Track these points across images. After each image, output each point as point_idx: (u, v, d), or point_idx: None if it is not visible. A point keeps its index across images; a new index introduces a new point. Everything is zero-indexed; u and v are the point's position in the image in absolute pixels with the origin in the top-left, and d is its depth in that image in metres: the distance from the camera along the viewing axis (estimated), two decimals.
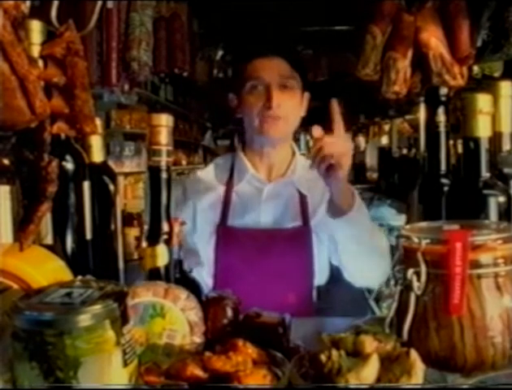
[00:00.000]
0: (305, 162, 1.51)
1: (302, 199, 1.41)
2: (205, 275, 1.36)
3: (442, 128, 0.91)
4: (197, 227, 1.42)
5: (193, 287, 0.87)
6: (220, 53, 4.37)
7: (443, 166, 0.92)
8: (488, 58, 1.87)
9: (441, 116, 0.91)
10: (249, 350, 0.67)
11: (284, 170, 1.46)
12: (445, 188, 0.91)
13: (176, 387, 0.62)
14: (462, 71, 1.82)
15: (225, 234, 1.38)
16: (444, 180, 0.92)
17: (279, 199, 1.42)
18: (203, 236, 1.40)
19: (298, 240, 1.37)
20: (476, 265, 0.66)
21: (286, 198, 1.42)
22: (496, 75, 2.48)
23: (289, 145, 1.50)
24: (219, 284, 1.36)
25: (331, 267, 1.45)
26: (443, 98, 0.91)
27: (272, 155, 1.45)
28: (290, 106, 1.37)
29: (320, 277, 1.40)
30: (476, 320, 0.66)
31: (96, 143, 1.01)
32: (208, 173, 1.53)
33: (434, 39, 1.80)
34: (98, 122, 0.90)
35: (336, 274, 1.44)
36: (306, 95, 1.46)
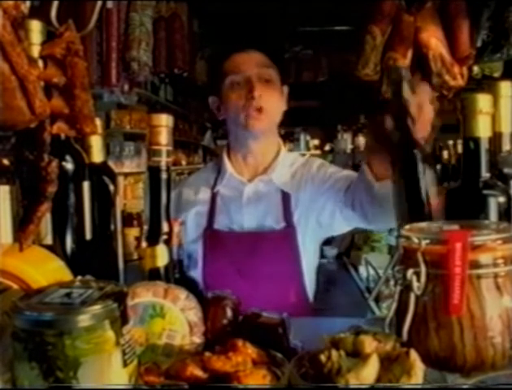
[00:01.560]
0: (293, 159, 1.50)
1: (285, 198, 1.39)
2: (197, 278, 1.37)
3: None
4: (187, 234, 1.41)
5: (192, 287, 0.87)
6: None
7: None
8: (488, 58, 1.87)
9: None
10: (249, 350, 0.67)
11: (266, 168, 1.44)
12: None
13: (176, 387, 0.62)
14: (462, 71, 1.81)
15: (211, 237, 1.39)
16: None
17: (260, 200, 1.40)
18: (194, 240, 1.40)
19: (283, 241, 1.36)
20: (476, 265, 0.66)
21: (267, 198, 1.40)
22: (496, 75, 2.48)
23: (276, 143, 1.48)
24: (208, 287, 1.36)
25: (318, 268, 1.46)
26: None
27: (256, 153, 1.43)
28: (272, 97, 1.37)
29: (309, 274, 1.40)
30: (476, 320, 0.66)
31: (96, 143, 1.01)
32: (198, 178, 1.54)
33: (434, 39, 1.79)
34: (98, 122, 0.90)
35: (334, 275, 1.45)
36: (285, 89, 1.46)
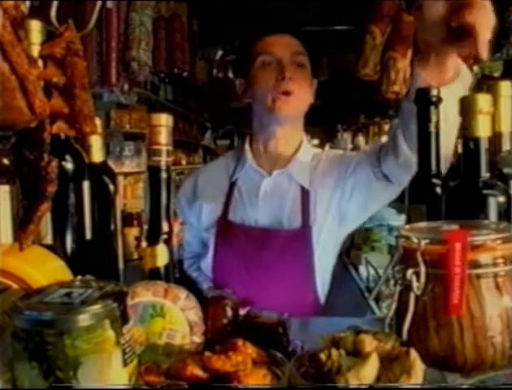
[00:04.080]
0: (313, 153, 1.45)
1: (304, 194, 1.34)
2: (207, 268, 1.37)
3: (433, 129, 0.91)
4: (202, 221, 1.41)
5: (192, 286, 0.87)
6: (220, 53, 4.37)
7: (433, 166, 0.92)
8: (488, 58, 1.87)
9: (432, 117, 0.91)
10: (249, 350, 0.67)
11: (286, 161, 1.40)
12: (437, 188, 0.91)
13: (176, 387, 0.63)
14: None
15: (224, 228, 1.36)
16: (434, 180, 0.92)
17: (277, 195, 1.36)
18: (207, 228, 1.40)
19: (297, 241, 1.32)
20: (476, 265, 0.66)
21: (285, 194, 1.36)
22: (496, 75, 2.48)
23: (299, 135, 1.44)
24: (216, 279, 1.36)
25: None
26: (433, 99, 0.91)
27: (279, 139, 1.39)
28: (301, 82, 1.34)
29: (322, 276, 1.35)
30: (476, 320, 0.66)
31: (96, 143, 1.01)
32: (217, 165, 1.52)
33: None
34: (98, 122, 0.90)
35: (334, 275, 1.43)
36: (314, 82, 1.44)
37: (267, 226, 1.35)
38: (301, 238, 1.32)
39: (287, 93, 1.31)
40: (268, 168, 1.41)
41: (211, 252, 1.36)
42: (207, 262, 1.37)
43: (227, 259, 1.34)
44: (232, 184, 1.41)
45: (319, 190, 1.35)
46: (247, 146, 1.43)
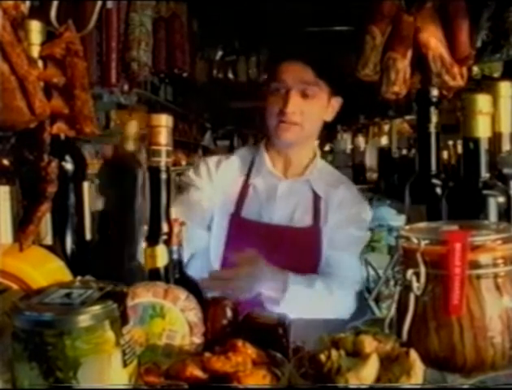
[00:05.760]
0: (323, 166, 1.54)
1: (316, 200, 1.43)
2: (211, 263, 1.38)
3: (432, 129, 0.91)
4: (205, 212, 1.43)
5: (192, 287, 0.87)
6: (220, 53, 4.38)
7: (433, 167, 0.92)
8: (488, 58, 1.87)
9: (432, 117, 0.91)
10: (249, 351, 0.67)
11: (302, 169, 1.47)
12: (437, 189, 0.91)
13: (176, 387, 0.62)
14: (461, 71, 1.82)
15: (238, 225, 1.41)
16: (434, 180, 0.92)
17: (293, 197, 1.44)
18: (216, 224, 1.42)
19: (308, 240, 1.39)
20: (476, 265, 0.66)
21: (300, 197, 1.44)
22: (496, 75, 2.48)
23: (311, 147, 1.51)
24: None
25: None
26: (434, 99, 0.91)
27: (290, 154, 1.46)
28: (308, 113, 1.38)
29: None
30: (476, 320, 0.66)
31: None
32: (232, 162, 1.54)
33: (433, 39, 1.79)
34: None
35: None
36: (337, 99, 1.48)
37: (283, 223, 1.41)
38: (312, 236, 1.40)
39: (288, 123, 1.37)
40: (282, 171, 1.48)
41: (221, 248, 1.39)
42: (212, 257, 1.39)
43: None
44: (248, 185, 1.46)
45: (331, 201, 1.43)
46: (263, 150, 1.48)
